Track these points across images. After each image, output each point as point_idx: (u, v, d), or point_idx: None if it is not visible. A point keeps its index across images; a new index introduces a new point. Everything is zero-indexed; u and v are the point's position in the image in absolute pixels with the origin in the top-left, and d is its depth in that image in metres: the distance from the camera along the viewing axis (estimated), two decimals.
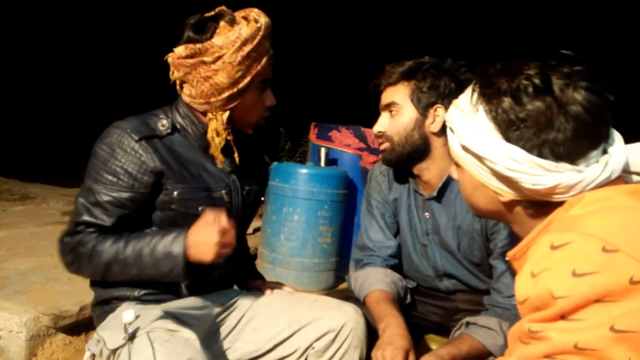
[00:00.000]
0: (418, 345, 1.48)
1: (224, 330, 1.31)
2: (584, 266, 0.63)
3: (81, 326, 1.98)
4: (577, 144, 0.72)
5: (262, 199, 1.45)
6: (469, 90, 0.83)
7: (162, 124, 1.22)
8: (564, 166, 0.73)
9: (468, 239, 1.41)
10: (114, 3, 7.31)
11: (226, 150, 1.25)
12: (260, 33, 1.16)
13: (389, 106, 1.40)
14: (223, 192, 1.27)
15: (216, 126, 1.21)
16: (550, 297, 0.64)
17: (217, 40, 1.15)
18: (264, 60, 1.19)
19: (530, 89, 0.73)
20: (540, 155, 0.74)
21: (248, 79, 1.18)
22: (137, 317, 1.09)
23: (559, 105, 0.72)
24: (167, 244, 1.11)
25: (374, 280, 1.42)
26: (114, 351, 1.08)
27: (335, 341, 1.25)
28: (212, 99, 1.19)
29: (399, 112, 1.38)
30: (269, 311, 1.32)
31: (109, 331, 1.11)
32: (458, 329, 1.34)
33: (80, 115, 7.81)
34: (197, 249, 1.10)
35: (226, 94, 1.18)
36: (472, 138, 0.79)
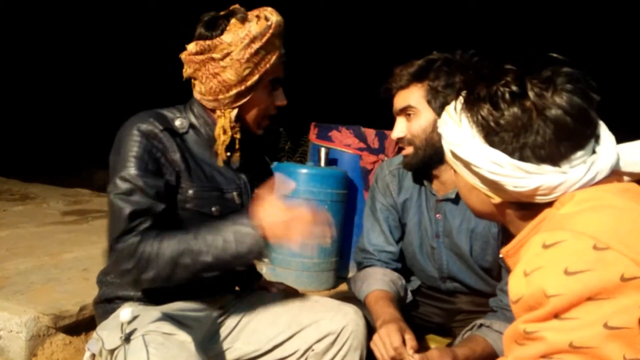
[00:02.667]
0: (418, 345, 1.48)
1: (224, 330, 1.30)
2: (575, 264, 0.64)
3: (81, 326, 1.98)
4: (558, 146, 0.73)
5: None
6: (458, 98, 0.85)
7: (180, 122, 1.23)
8: (546, 168, 0.74)
9: (481, 243, 1.39)
10: (114, 3, 7.31)
11: (236, 151, 1.26)
12: (270, 31, 1.16)
13: (404, 110, 1.35)
14: (235, 193, 1.27)
15: (223, 123, 1.22)
16: (543, 295, 0.65)
17: (226, 37, 1.15)
18: (274, 58, 1.19)
19: (507, 96, 0.75)
20: (522, 158, 0.75)
21: (256, 76, 1.18)
22: (135, 317, 1.09)
23: (537, 109, 0.73)
24: (244, 227, 1.10)
25: (373, 281, 1.42)
26: (111, 352, 1.08)
27: (335, 343, 1.25)
28: (220, 96, 1.19)
29: (416, 115, 1.34)
30: (269, 312, 1.32)
31: (108, 331, 1.12)
32: (470, 329, 1.33)
33: (81, 115, 7.81)
34: (270, 230, 1.11)
35: (234, 91, 1.18)
36: (459, 144, 0.81)
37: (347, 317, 1.27)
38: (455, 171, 0.89)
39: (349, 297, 1.47)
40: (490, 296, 1.38)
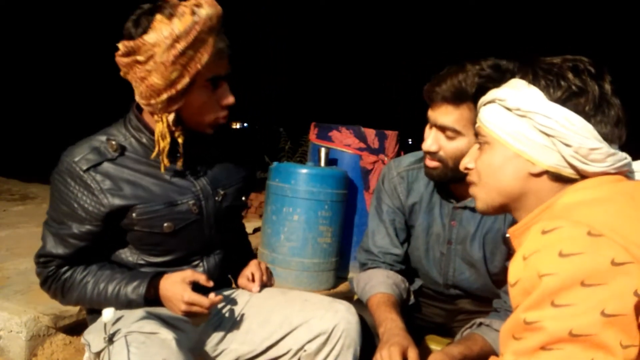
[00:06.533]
0: (419, 345, 1.48)
1: (218, 332, 1.29)
2: (569, 247, 0.68)
3: (81, 326, 1.98)
4: (613, 129, 0.80)
5: (243, 198, 1.38)
6: (515, 78, 0.87)
7: (111, 144, 1.17)
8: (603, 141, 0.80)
9: (492, 248, 1.37)
10: (112, 3, 7.32)
11: (190, 155, 1.20)
12: (198, 27, 1.04)
13: (445, 129, 1.24)
14: (190, 202, 1.21)
15: (162, 129, 1.13)
16: (537, 276, 0.69)
17: (149, 37, 1.04)
18: (205, 57, 1.07)
19: (586, 73, 0.81)
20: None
21: (187, 79, 1.08)
22: (119, 318, 1.09)
23: (606, 93, 0.80)
24: (129, 292, 1.16)
25: (376, 283, 1.40)
26: (97, 354, 1.08)
27: (327, 343, 1.23)
28: (152, 101, 1.10)
29: (458, 137, 1.23)
30: (261, 312, 1.30)
31: (93, 334, 1.12)
32: (469, 327, 1.33)
33: (81, 115, 7.81)
34: (166, 303, 1.15)
35: (164, 95, 1.09)
36: (525, 99, 0.82)
37: (338, 316, 1.24)
38: (486, 146, 0.88)
39: (349, 297, 1.46)
40: (492, 298, 1.38)
